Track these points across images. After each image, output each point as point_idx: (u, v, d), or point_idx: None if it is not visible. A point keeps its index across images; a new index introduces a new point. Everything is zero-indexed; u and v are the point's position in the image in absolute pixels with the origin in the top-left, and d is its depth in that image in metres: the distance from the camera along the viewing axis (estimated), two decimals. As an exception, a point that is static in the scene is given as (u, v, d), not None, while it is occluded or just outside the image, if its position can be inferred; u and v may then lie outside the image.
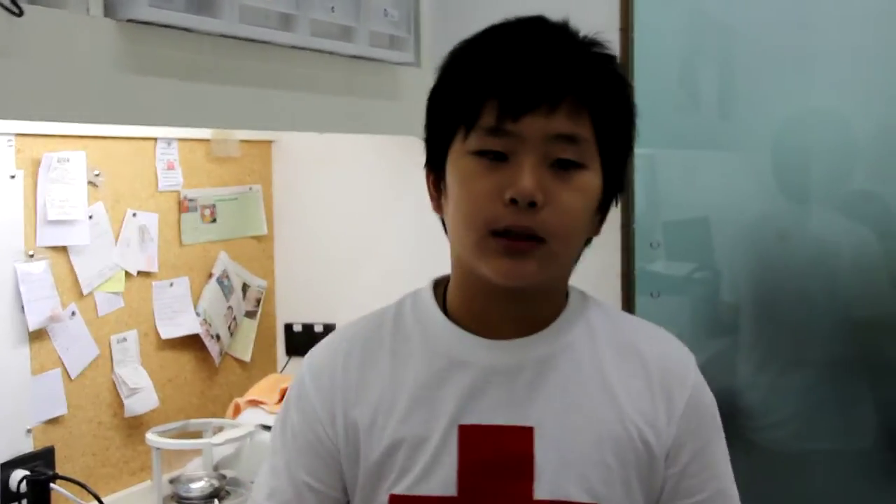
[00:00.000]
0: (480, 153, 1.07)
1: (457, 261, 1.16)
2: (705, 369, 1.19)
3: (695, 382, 1.17)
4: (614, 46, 1.15)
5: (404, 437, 1.11)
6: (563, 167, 1.07)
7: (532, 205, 1.05)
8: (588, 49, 1.11)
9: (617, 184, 1.14)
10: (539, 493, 1.09)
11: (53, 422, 1.98)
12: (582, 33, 1.12)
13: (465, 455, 1.10)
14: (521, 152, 1.06)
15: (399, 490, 1.11)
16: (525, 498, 1.09)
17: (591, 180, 1.09)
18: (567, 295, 1.18)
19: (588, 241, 1.16)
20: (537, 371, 1.13)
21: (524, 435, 1.10)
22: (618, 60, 1.14)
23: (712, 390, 1.19)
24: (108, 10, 1.39)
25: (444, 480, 1.10)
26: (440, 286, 1.19)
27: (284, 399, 1.21)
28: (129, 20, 1.41)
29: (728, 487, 1.17)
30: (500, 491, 1.10)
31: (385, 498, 1.12)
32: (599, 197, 1.12)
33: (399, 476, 1.11)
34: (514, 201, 1.05)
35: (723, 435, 1.19)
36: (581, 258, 1.16)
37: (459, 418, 1.11)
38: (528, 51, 1.08)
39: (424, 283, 1.21)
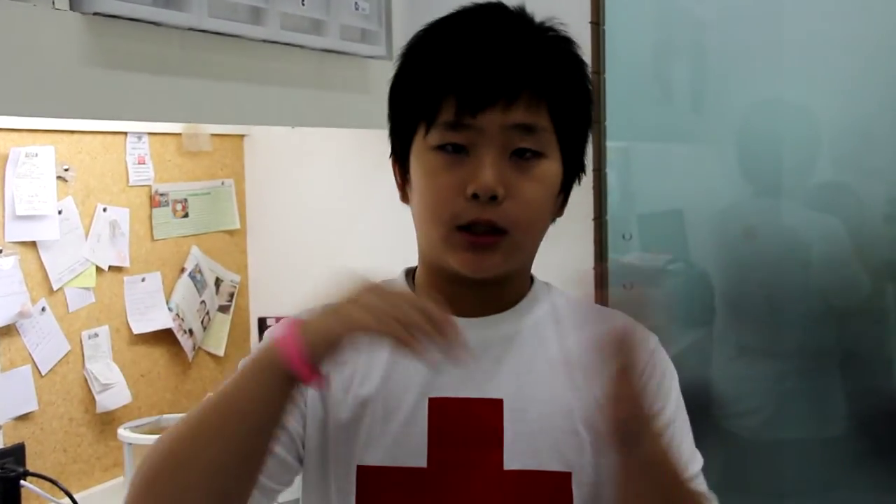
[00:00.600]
0: (441, 147, 1.09)
1: (423, 251, 1.18)
2: (679, 360, 1.20)
3: (656, 345, 1.19)
4: (586, 39, 1.15)
5: (374, 405, 1.13)
6: (523, 157, 1.09)
7: (493, 198, 1.06)
8: (544, 35, 1.12)
9: (577, 166, 1.17)
10: (509, 463, 1.11)
11: (24, 418, 1.96)
12: (538, 19, 1.13)
13: (434, 427, 1.11)
14: (480, 145, 1.08)
15: (368, 461, 1.12)
16: (495, 468, 1.11)
17: (550, 168, 1.11)
18: (531, 279, 1.21)
19: (552, 221, 1.17)
20: (504, 347, 1.15)
21: (493, 406, 1.12)
22: (574, 42, 1.15)
23: (686, 380, 1.21)
24: (75, 4, 1.38)
25: (414, 452, 1.11)
26: (410, 275, 1.22)
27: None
28: (96, 13, 1.40)
29: (697, 452, 1.19)
30: (470, 462, 1.11)
31: (353, 470, 1.12)
32: (560, 182, 1.14)
33: (366, 446, 1.12)
34: (476, 196, 1.06)
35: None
36: (553, 250, 1.18)
37: (429, 391, 1.12)
38: (484, 44, 1.09)
39: (397, 275, 1.23)
